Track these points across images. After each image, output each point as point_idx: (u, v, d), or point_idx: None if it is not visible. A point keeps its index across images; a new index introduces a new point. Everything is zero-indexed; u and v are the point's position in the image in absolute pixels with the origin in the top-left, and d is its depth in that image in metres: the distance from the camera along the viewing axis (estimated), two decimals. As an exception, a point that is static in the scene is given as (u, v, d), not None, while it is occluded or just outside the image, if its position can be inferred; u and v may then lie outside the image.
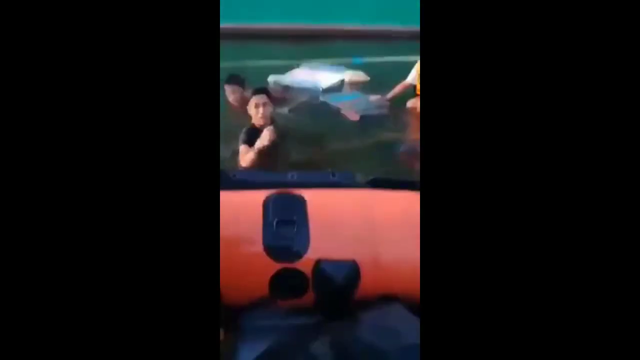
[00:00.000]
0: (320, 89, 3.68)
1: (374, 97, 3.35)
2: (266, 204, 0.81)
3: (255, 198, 0.83)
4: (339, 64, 4.13)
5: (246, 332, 0.75)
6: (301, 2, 5.03)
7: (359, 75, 3.96)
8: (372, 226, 0.81)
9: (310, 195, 0.84)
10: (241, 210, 0.81)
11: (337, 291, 0.77)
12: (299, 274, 0.79)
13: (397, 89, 3.27)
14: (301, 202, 0.82)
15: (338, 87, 3.79)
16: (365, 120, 3.02)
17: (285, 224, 0.79)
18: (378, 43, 4.47)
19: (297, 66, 4.12)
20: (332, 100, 3.41)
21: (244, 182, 0.90)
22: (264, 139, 2.31)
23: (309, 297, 0.81)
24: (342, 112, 3.13)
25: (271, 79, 3.79)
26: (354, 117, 3.07)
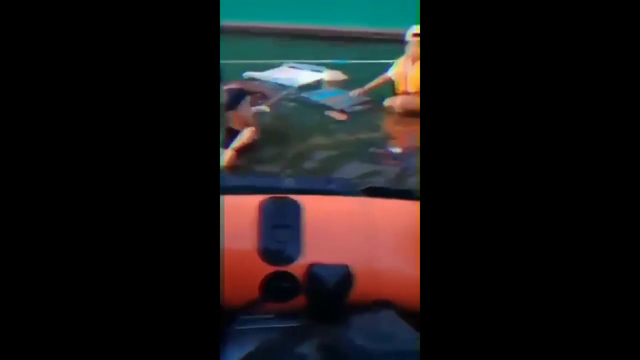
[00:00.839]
0: (297, 86, 3.59)
1: (353, 92, 3.30)
2: (262, 208, 0.81)
3: (251, 202, 0.82)
4: (319, 64, 4.10)
5: (234, 333, 0.75)
6: (288, 2, 4.95)
7: (338, 75, 3.94)
8: (367, 233, 0.81)
9: (306, 201, 0.83)
10: (236, 214, 0.80)
11: (329, 295, 0.77)
12: (290, 276, 0.77)
13: (376, 81, 3.27)
14: (297, 207, 0.82)
15: (316, 86, 3.72)
16: (351, 118, 2.95)
17: (280, 228, 0.79)
18: (360, 45, 4.43)
19: (280, 65, 4.09)
20: (313, 97, 3.33)
21: (240, 186, 0.89)
22: (245, 137, 2.22)
23: (300, 301, 0.79)
24: (329, 113, 3.04)
25: (247, 74, 3.70)
26: (341, 117, 2.98)
